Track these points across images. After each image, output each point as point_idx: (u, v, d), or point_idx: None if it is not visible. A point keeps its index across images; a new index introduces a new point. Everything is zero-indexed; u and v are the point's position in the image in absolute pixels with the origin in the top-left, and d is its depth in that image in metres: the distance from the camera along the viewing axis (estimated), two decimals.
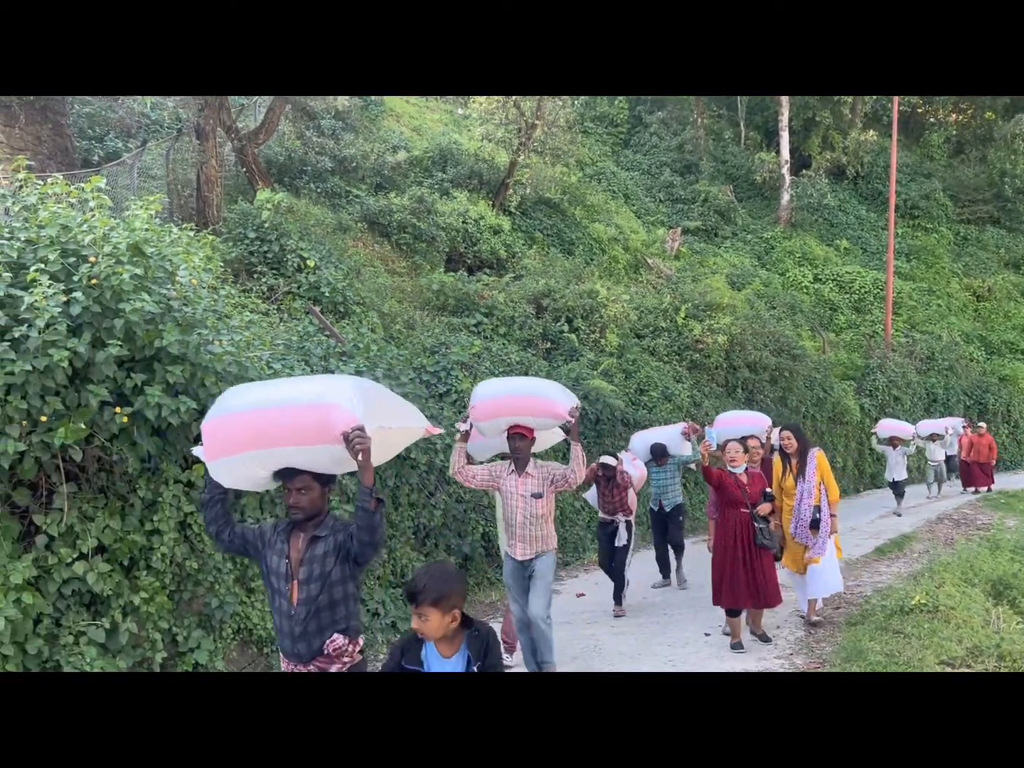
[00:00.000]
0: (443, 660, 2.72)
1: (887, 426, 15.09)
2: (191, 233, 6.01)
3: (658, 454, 8.75)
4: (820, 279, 24.48)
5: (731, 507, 6.48)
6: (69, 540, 4.75)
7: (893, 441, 14.60)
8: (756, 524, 6.36)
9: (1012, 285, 27.15)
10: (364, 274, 11.87)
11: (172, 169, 12.14)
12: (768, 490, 6.58)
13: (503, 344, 11.86)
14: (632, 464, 8.22)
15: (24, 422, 4.45)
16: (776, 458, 7.29)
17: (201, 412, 5.18)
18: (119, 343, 4.64)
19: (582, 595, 8.61)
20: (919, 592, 6.93)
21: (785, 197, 26.47)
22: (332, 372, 7.36)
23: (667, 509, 8.81)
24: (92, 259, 4.74)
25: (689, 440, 8.73)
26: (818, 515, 6.87)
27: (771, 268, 24.30)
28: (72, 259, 4.80)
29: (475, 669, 2.69)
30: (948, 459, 17.42)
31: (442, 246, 14.33)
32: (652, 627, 7.24)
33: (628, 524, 7.74)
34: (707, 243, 23.99)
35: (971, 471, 17.12)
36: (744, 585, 6.28)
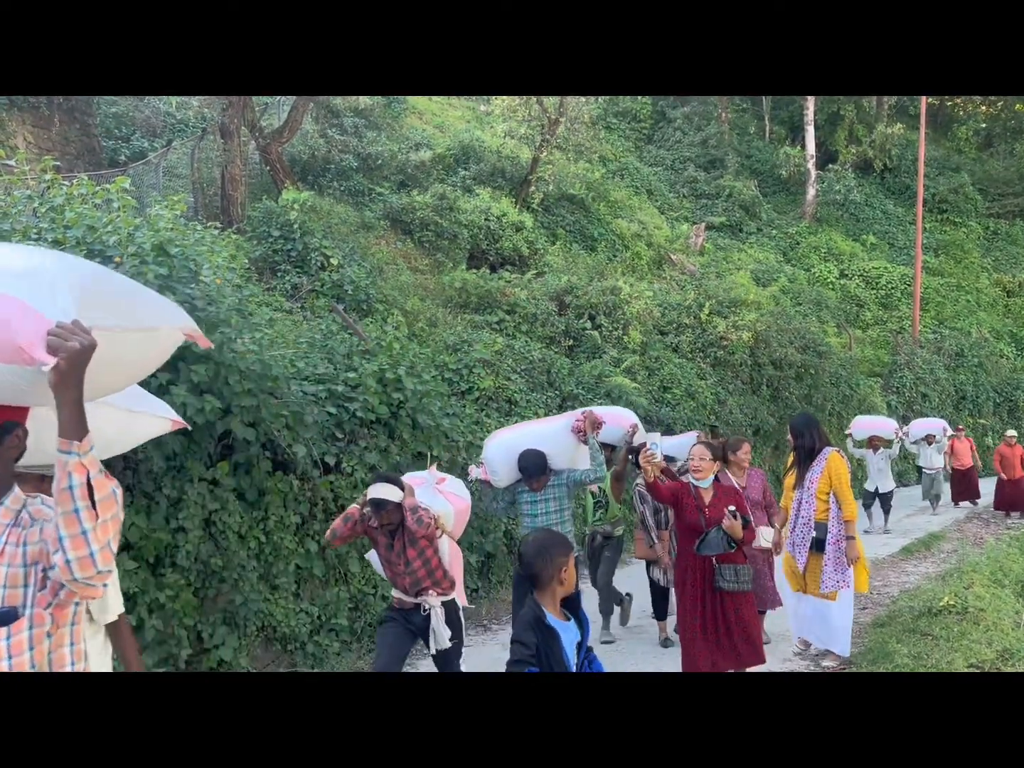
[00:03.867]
0: (564, 623, 2.80)
1: (864, 424, 12.54)
2: (215, 232, 6.06)
3: (531, 471, 5.29)
4: (846, 275, 24.22)
5: (687, 536, 4.88)
6: None
7: (873, 442, 12.12)
8: (714, 562, 4.75)
9: None
10: (387, 272, 11.91)
11: (197, 168, 12.25)
12: (732, 508, 4.71)
13: (525, 341, 11.84)
14: (437, 489, 4.70)
15: None
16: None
17: (226, 411, 5.23)
18: None
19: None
20: (947, 593, 6.83)
21: (811, 192, 26.21)
22: (356, 371, 7.32)
23: None
24: (117, 259, 4.79)
25: (586, 442, 5.37)
26: (819, 534, 5.51)
27: (796, 264, 24.06)
28: (98, 259, 4.85)
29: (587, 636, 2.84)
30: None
31: (464, 243, 14.33)
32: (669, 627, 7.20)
33: (452, 611, 4.47)
34: (732, 239, 23.81)
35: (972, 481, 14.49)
36: (709, 644, 4.72)
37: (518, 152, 17.83)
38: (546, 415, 10.71)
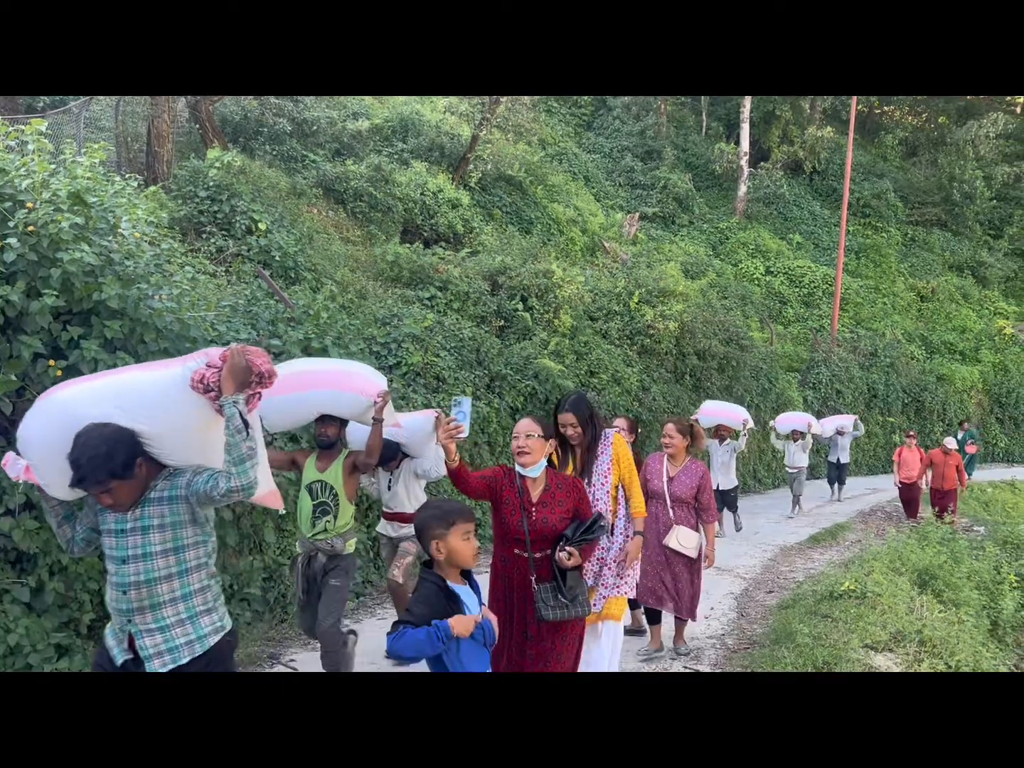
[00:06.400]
0: (464, 588, 2.78)
1: (712, 410, 10.58)
2: (135, 185, 5.83)
3: (88, 468, 2.59)
4: (772, 272, 24.87)
5: (504, 545, 3.55)
6: None
7: (720, 432, 10.48)
8: (535, 583, 3.41)
9: (954, 287, 27.97)
10: (317, 241, 11.67)
11: (122, 121, 11.75)
12: (597, 516, 3.53)
13: (456, 319, 11.78)
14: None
15: None
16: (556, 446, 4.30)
17: None
18: (55, 293, 4.48)
19: None
20: (849, 579, 7.13)
21: (742, 189, 26.76)
22: (280, 339, 7.22)
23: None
24: (29, 205, 4.56)
25: (222, 412, 2.65)
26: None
27: (725, 258, 24.59)
28: (8, 204, 4.61)
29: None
30: (841, 466, 14.48)
31: (398, 217, 14.15)
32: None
33: None
34: (664, 230, 24.16)
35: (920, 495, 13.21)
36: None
37: (458, 129, 17.67)
38: (474, 395, 10.59)
